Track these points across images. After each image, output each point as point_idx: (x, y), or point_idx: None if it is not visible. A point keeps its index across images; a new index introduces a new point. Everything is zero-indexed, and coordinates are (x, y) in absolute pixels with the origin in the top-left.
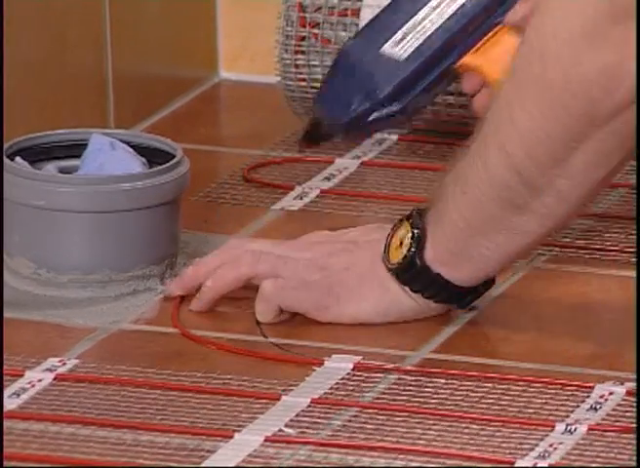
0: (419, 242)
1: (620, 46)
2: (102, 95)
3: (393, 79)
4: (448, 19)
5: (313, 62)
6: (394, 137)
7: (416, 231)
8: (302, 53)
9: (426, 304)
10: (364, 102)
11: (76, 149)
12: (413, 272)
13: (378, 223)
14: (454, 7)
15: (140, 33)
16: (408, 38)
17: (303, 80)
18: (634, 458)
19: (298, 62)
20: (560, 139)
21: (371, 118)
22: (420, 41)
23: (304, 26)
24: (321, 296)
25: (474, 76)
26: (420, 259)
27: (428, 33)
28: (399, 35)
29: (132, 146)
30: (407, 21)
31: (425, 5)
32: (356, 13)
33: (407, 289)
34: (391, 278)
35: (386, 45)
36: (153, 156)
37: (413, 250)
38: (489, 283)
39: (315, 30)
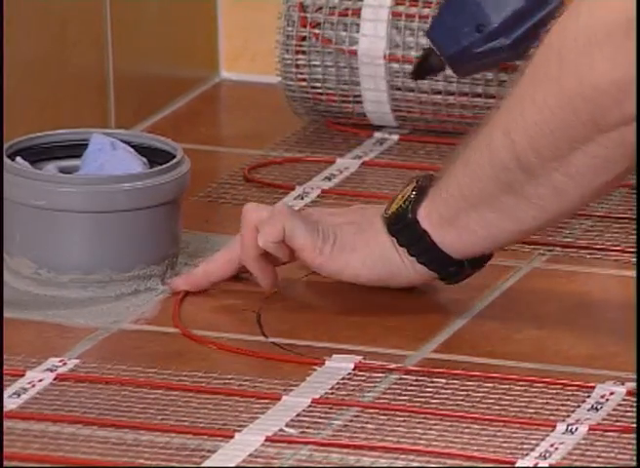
0: (416, 197)
1: (632, 60)
2: (103, 94)
3: (503, 12)
4: None
5: (314, 62)
6: (395, 137)
7: (417, 188)
8: (303, 53)
9: (412, 265)
10: (473, 34)
11: (77, 149)
12: (403, 223)
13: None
14: None
15: (140, 33)
16: None
17: (304, 80)
18: (635, 458)
19: (298, 62)
20: (564, 137)
21: (478, 50)
22: None
23: (305, 26)
24: (319, 238)
25: None
26: (412, 213)
27: None
28: None
29: (132, 146)
30: None
31: None
32: (357, 13)
33: (395, 241)
34: (384, 231)
35: None
36: (154, 156)
37: (408, 202)
38: (476, 262)
39: (316, 30)
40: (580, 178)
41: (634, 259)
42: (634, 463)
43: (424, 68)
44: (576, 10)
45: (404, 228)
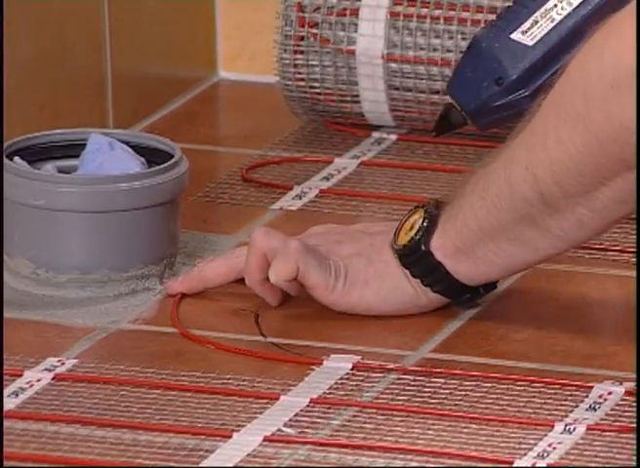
0: (428, 228)
1: None
2: (101, 94)
3: (521, 64)
4: (576, 7)
5: (312, 62)
6: (393, 137)
7: (428, 218)
8: (301, 52)
9: (425, 294)
10: (492, 87)
11: (75, 149)
12: (416, 255)
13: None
14: None
15: (138, 33)
16: (537, 25)
17: (302, 80)
18: (633, 458)
19: (296, 62)
20: (590, 175)
21: (498, 103)
22: (549, 28)
23: (303, 26)
24: (332, 275)
25: None
26: (425, 245)
27: (557, 21)
28: (528, 23)
29: (130, 146)
30: (536, 10)
31: None
32: (355, 12)
33: (408, 273)
34: (395, 263)
35: (516, 32)
36: (152, 156)
37: (420, 234)
38: (489, 286)
39: (314, 30)
40: (605, 212)
41: (633, 259)
42: (632, 463)
43: (446, 124)
44: (598, 48)
45: (417, 260)
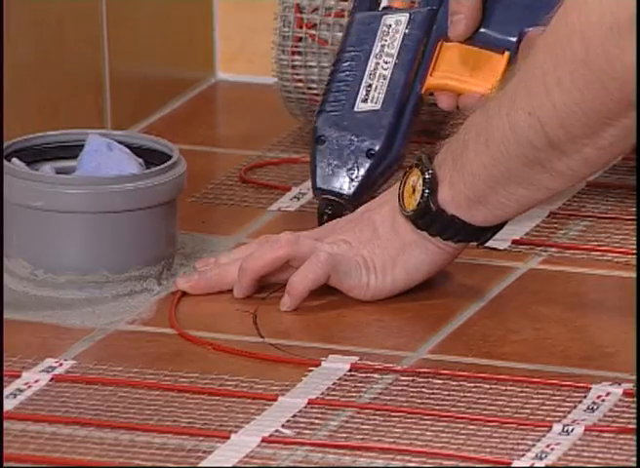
0: (431, 186)
1: None
2: (100, 95)
3: (381, 129)
4: (397, 56)
5: (310, 63)
6: None
7: (427, 176)
8: (299, 54)
9: (449, 246)
10: (364, 164)
11: (73, 150)
12: (429, 216)
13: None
14: (396, 44)
15: (137, 34)
16: (372, 89)
17: (300, 81)
18: (632, 459)
19: (294, 63)
20: (595, 116)
21: (377, 172)
22: (385, 86)
23: (301, 27)
24: (362, 273)
25: (444, 94)
26: (434, 203)
27: (388, 76)
28: (363, 91)
29: (129, 147)
30: (362, 77)
31: (370, 54)
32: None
33: (426, 234)
34: (410, 228)
35: (357, 104)
36: (150, 157)
37: (426, 194)
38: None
39: (312, 31)
40: (611, 148)
41: (631, 260)
42: (631, 464)
43: (329, 218)
44: None
45: (431, 220)
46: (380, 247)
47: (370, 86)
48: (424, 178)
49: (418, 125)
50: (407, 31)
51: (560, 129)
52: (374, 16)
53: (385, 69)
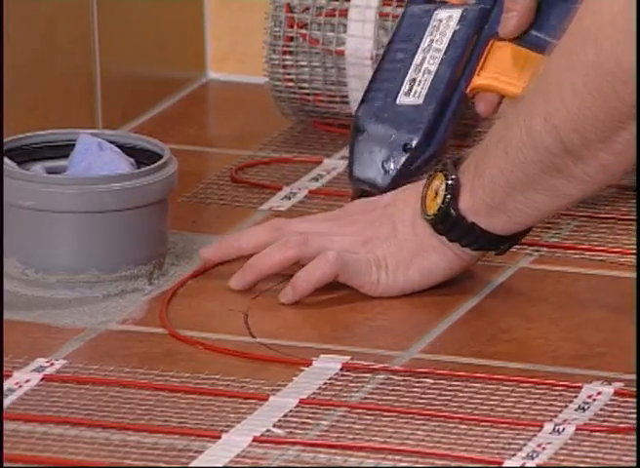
0: (453, 192)
1: None
2: (91, 95)
3: (420, 124)
4: (445, 52)
5: (301, 63)
6: None
7: (450, 182)
8: (290, 53)
9: (465, 253)
10: (399, 158)
11: (64, 150)
12: (448, 222)
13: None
14: (445, 40)
15: (128, 34)
16: (416, 83)
17: (291, 80)
18: (623, 458)
19: (285, 63)
20: (607, 120)
21: (412, 167)
22: (429, 81)
23: (292, 27)
24: (373, 271)
25: (484, 99)
26: (455, 209)
27: (434, 71)
28: (407, 85)
29: (120, 147)
30: (407, 70)
31: (418, 48)
32: (344, 13)
33: (444, 239)
34: (429, 232)
35: (399, 97)
36: (141, 156)
37: (447, 200)
38: (527, 231)
39: (303, 31)
40: (626, 154)
41: (622, 259)
42: (622, 463)
43: None
44: None
45: (451, 226)
46: (397, 246)
47: (414, 80)
48: (447, 184)
49: (457, 127)
50: (457, 28)
51: (574, 133)
52: (426, 10)
53: (432, 64)
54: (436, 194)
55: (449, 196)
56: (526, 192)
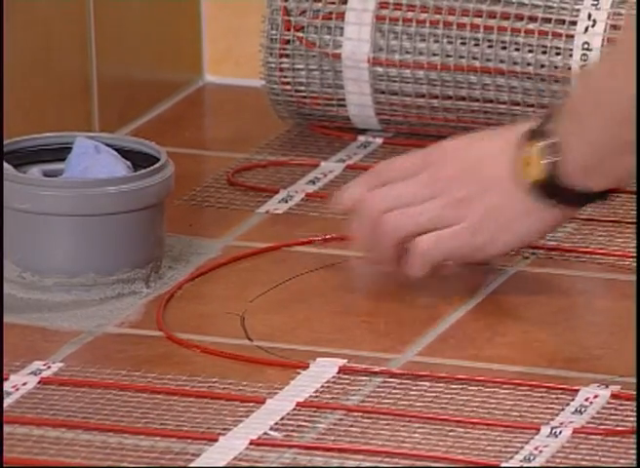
0: (553, 160)
1: None
2: (87, 98)
3: None
4: None
5: (298, 66)
6: (379, 141)
7: (546, 150)
8: (287, 56)
9: (562, 213)
10: None
11: (60, 153)
12: (550, 188)
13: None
14: None
15: (124, 37)
16: None
17: (288, 83)
18: (619, 461)
19: (282, 66)
20: None
21: None
22: None
23: (289, 30)
24: (473, 239)
25: None
26: (555, 177)
27: None
28: None
29: (116, 150)
30: None
31: None
32: (341, 16)
33: (542, 203)
34: (527, 199)
35: None
36: (138, 159)
37: (548, 168)
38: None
39: (300, 34)
40: None
41: (619, 262)
42: (618, 466)
43: None
44: None
45: (552, 192)
46: (496, 210)
47: None
48: (541, 150)
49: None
50: None
51: None
52: None
53: None
54: (530, 162)
55: (548, 164)
56: (622, 154)
